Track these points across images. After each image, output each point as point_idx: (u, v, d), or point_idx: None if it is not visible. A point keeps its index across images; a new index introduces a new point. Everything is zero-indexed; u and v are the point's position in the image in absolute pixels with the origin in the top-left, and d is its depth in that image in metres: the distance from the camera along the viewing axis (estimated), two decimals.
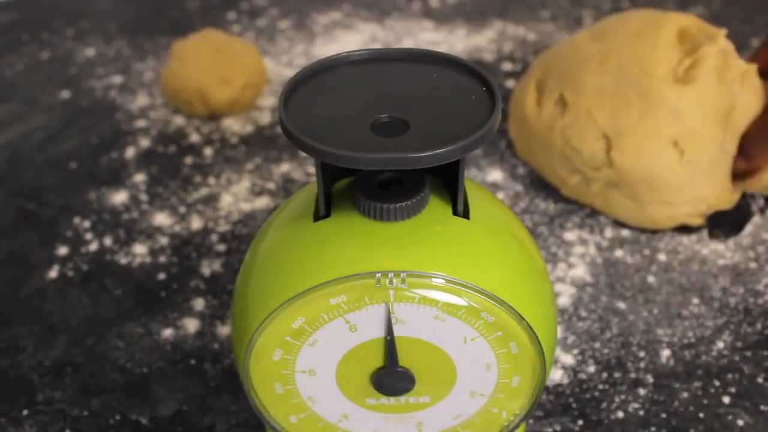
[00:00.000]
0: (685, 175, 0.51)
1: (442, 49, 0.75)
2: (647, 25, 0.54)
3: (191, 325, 0.48)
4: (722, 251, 0.53)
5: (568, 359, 0.46)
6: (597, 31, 0.57)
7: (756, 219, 0.55)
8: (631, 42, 0.53)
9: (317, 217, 0.32)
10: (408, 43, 0.76)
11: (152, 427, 0.43)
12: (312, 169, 0.60)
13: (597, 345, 0.47)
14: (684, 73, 0.51)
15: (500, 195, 0.58)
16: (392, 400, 0.33)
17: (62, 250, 0.54)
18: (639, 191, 0.52)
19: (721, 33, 0.52)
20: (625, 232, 0.54)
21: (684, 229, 0.54)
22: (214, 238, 0.55)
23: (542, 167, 0.57)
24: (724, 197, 0.53)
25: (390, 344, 0.31)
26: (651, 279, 0.51)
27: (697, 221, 0.53)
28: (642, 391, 0.44)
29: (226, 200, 0.58)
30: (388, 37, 0.77)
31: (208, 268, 0.52)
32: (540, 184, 0.58)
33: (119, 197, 0.58)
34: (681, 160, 0.51)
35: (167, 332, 0.48)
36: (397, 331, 0.31)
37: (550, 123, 0.55)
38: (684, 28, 0.53)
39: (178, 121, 0.66)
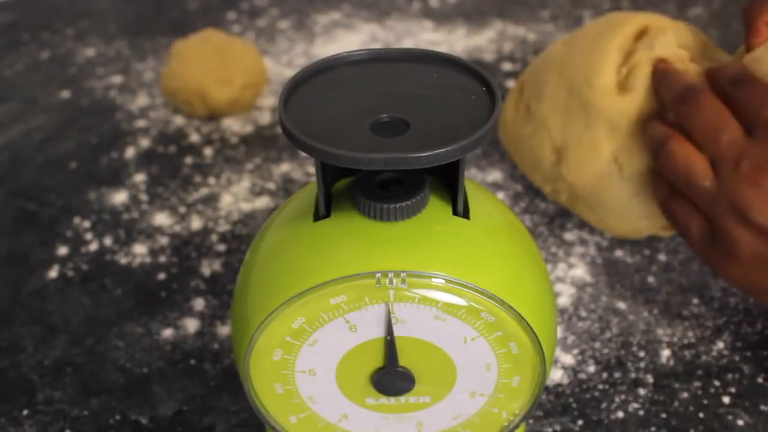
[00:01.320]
0: (629, 191, 0.48)
1: (442, 49, 0.75)
2: (604, 30, 0.50)
3: (191, 325, 0.48)
4: None
5: (568, 359, 0.46)
6: (569, 38, 0.53)
7: None
8: (585, 49, 0.50)
9: (317, 217, 0.32)
10: (408, 43, 0.76)
11: (152, 427, 0.43)
12: (312, 169, 0.60)
13: (597, 345, 0.47)
14: (624, 81, 0.48)
15: (500, 195, 0.58)
16: (392, 400, 0.33)
17: (62, 250, 0.54)
18: (593, 205, 0.50)
19: (660, 39, 0.47)
20: None
21: None
22: (214, 238, 0.55)
23: (525, 171, 0.56)
24: None
25: (390, 344, 0.31)
26: (651, 279, 0.51)
27: (667, 233, 0.50)
28: (642, 391, 0.44)
29: (226, 200, 0.58)
30: (388, 37, 0.77)
31: (208, 268, 0.52)
32: None
33: (119, 197, 0.58)
34: (621, 175, 0.48)
35: (167, 332, 0.48)
36: (397, 331, 0.31)
37: (522, 130, 0.53)
38: (643, 28, 0.49)
39: (178, 121, 0.66)
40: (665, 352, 0.46)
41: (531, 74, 0.55)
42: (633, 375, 0.45)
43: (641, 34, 0.49)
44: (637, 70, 0.47)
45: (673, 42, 0.48)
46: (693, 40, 0.49)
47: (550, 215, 0.56)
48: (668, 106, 0.45)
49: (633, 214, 0.49)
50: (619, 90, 0.48)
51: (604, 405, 0.43)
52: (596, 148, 0.48)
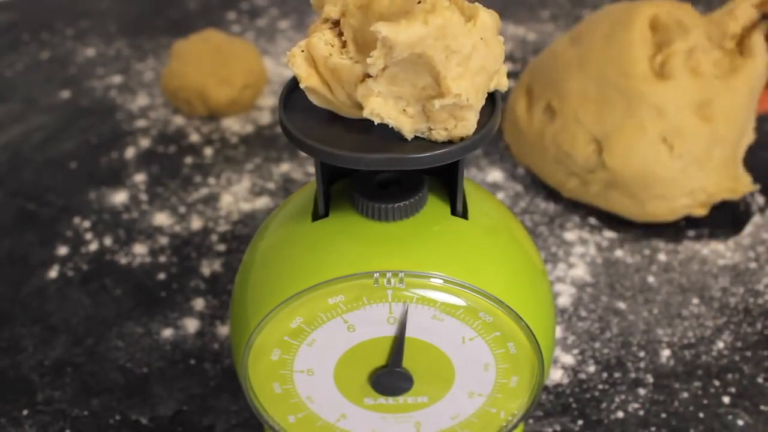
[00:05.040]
0: (677, 168, 0.51)
1: None
2: (617, 23, 0.54)
3: (191, 325, 0.48)
4: (722, 251, 0.53)
5: (568, 359, 0.46)
6: (574, 36, 0.57)
7: (756, 219, 0.55)
8: (605, 43, 0.53)
9: (316, 217, 0.32)
10: None
11: (152, 427, 0.43)
12: (312, 169, 0.60)
13: (597, 345, 0.47)
14: (659, 69, 0.51)
15: (500, 195, 0.58)
16: (390, 400, 0.33)
17: (62, 250, 0.54)
18: (636, 189, 0.52)
19: (693, 33, 0.52)
20: (626, 232, 0.54)
21: (684, 226, 0.54)
22: (214, 238, 0.55)
23: (539, 171, 0.57)
24: (724, 186, 0.52)
25: (399, 343, 0.31)
26: (651, 279, 0.51)
27: (700, 212, 0.53)
28: (642, 391, 0.44)
29: (226, 200, 0.58)
30: None
31: (208, 268, 0.52)
32: (540, 184, 0.58)
33: (119, 197, 0.58)
34: (671, 154, 0.51)
35: (167, 332, 0.48)
36: (395, 331, 0.31)
37: (542, 129, 0.56)
38: (654, 17, 0.53)
39: (178, 121, 0.66)
40: (665, 352, 0.46)
41: (538, 76, 0.57)
42: (633, 375, 0.45)
43: (654, 23, 0.53)
44: (673, 60, 0.51)
45: (696, 36, 0.52)
46: (698, 22, 0.53)
47: (550, 215, 0.56)
48: None
49: (678, 192, 0.52)
50: (658, 77, 0.51)
51: (604, 405, 0.43)
52: (643, 132, 0.51)
